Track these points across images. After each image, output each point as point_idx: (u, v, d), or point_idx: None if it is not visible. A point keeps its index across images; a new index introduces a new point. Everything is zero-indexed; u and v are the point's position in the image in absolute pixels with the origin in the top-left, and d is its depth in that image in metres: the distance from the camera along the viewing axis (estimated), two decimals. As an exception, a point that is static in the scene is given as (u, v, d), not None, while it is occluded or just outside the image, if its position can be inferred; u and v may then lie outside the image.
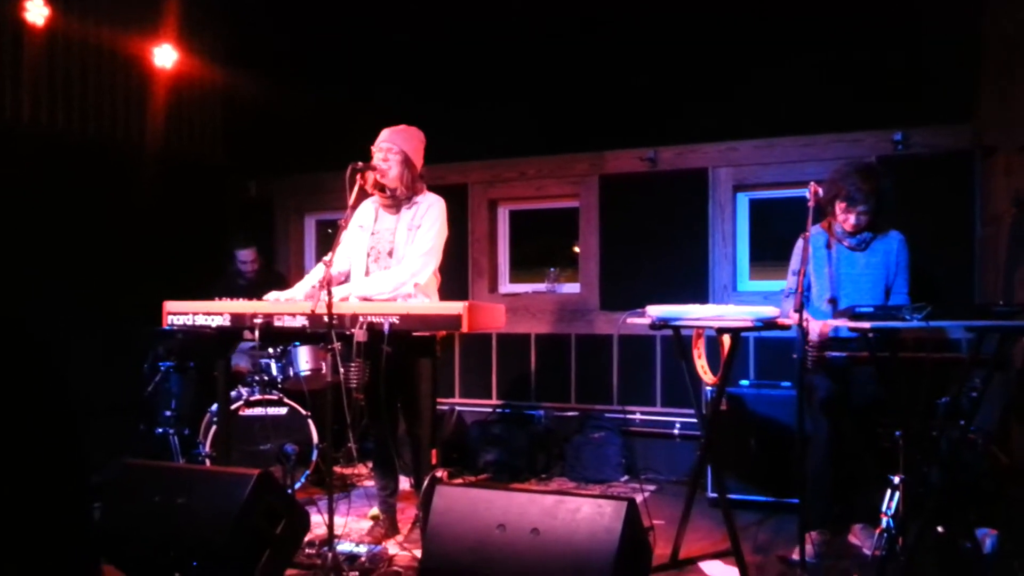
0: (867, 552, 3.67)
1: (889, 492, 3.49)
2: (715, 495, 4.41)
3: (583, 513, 2.25)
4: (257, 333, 3.49)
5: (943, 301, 3.86)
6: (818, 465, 3.77)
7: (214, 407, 4.67)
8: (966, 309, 2.99)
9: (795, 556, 3.61)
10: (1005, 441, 3.65)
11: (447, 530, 2.36)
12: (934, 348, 3.36)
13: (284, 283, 5.00)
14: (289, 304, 3.56)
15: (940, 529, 3.32)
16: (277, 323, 3.49)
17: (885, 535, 3.41)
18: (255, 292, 3.95)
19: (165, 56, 5.61)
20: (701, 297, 5.28)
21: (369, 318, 3.30)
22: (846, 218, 3.68)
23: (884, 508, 3.43)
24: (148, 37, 5.59)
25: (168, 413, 4.95)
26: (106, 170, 5.45)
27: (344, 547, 3.58)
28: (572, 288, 5.91)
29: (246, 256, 5.52)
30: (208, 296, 3.77)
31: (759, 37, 5.12)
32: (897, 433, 3.44)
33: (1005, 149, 3.75)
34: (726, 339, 3.50)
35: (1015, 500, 3.50)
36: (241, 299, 3.70)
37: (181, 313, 3.68)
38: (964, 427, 3.42)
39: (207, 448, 4.74)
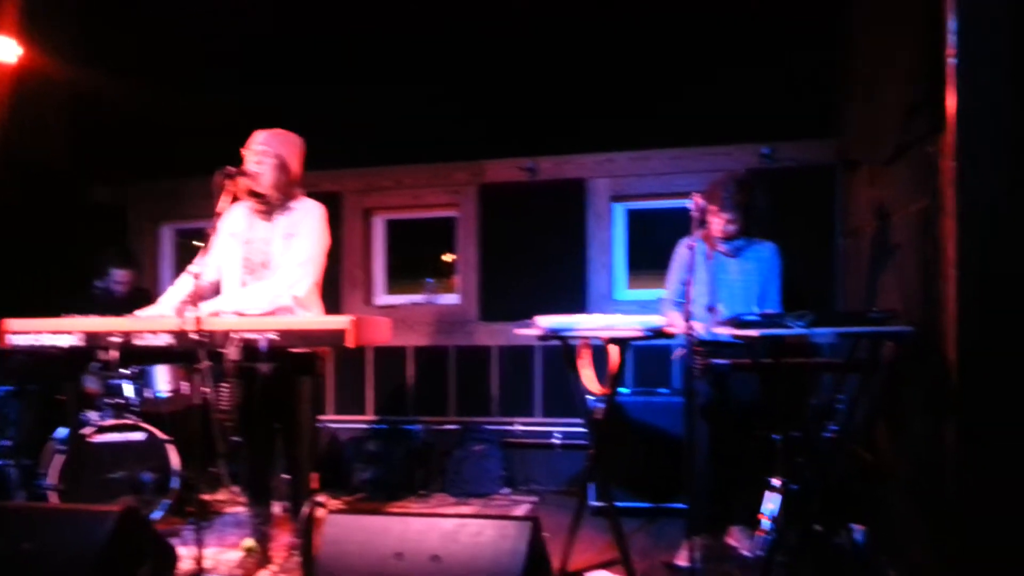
0: (746, 554, 3.76)
1: (768, 495, 3.60)
2: (598, 504, 4.42)
3: (486, 536, 2.14)
4: (116, 354, 3.16)
5: (809, 308, 4.02)
6: (699, 471, 3.82)
7: (58, 433, 4.24)
8: (842, 316, 3.10)
9: (679, 561, 3.65)
10: (871, 442, 3.83)
11: (338, 561, 2.19)
12: (803, 353, 3.49)
13: (151, 302, 4.63)
14: (151, 321, 3.25)
15: (818, 528, 3.43)
16: (137, 342, 3.17)
17: (766, 537, 3.50)
18: (122, 311, 3.57)
19: (7, 50, 5.08)
20: (580, 306, 5.30)
21: (244, 335, 3.06)
22: (717, 223, 3.80)
23: (764, 511, 3.53)
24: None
25: (6, 442, 4.45)
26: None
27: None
28: (451, 299, 5.80)
29: (122, 277, 5.11)
30: (59, 312, 3.40)
31: (635, 51, 5.21)
32: (776, 437, 3.55)
33: (869, 162, 3.96)
34: (613, 349, 3.48)
35: (881, 498, 3.67)
36: (97, 315, 3.35)
37: (24, 332, 3.29)
38: (840, 430, 3.57)
39: (52, 480, 4.29)
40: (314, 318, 3.31)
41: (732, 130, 5.07)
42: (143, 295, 5.20)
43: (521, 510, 4.81)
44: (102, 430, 4.36)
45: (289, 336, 3.03)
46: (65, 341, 3.24)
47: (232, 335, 3.07)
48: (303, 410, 3.27)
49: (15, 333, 3.29)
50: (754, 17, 4.90)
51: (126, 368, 4.55)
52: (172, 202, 6.08)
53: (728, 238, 3.84)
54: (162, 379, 4.64)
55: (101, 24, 5.69)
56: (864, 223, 4.10)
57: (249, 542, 3.71)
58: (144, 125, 5.82)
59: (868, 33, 4.04)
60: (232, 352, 3.04)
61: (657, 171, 5.26)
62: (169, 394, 4.62)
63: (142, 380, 4.62)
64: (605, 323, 3.28)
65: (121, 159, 6.00)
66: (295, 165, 3.64)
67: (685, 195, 3.59)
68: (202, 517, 4.60)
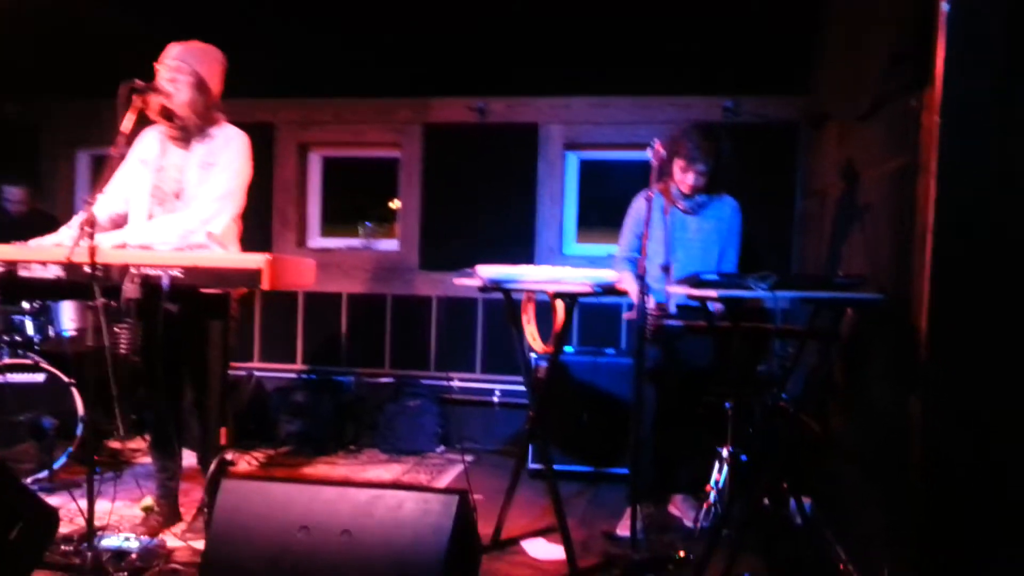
0: (689, 524, 3.60)
1: (717, 464, 3.42)
2: (537, 467, 4.21)
3: (406, 510, 1.87)
4: (-4, 285, 2.78)
5: (764, 266, 3.83)
6: (644, 436, 3.62)
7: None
8: (807, 280, 2.89)
9: (620, 531, 3.47)
10: (822, 412, 3.67)
11: (236, 533, 1.90)
12: (758, 317, 3.29)
13: (56, 226, 4.22)
14: (38, 250, 2.87)
15: (766, 501, 3.27)
16: (23, 272, 2.80)
17: (713, 508, 3.33)
18: (19, 235, 3.16)
19: None
20: (527, 258, 5.04)
21: (143, 270, 2.70)
22: (683, 178, 3.55)
23: (712, 481, 3.35)
24: None
25: None
26: None
27: (111, 541, 2.99)
28: (390, 245, 5.48)
29: (15, 195, 4.75)
30: None
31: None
32: (727, 404, 3.36)
33: (841, 117, 3.73)
34: (559, 304, 3.23)
35: (829, 470, 3.53)
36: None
37: None
38: (791, 399, 3.39)
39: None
40: (225, 255, 2.95)
41: (695, 81, 4.82)
42: (44, 220, 4.77)
43: (455, 470, 4.58)
44: (-1, 369, 3.99)
45: (196, 274, 2.68)
46: (-62, 270, 2.84)
47: (131, 270, 2.71)
48: (212, 357, 2.94)
49: None
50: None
51: (26, 302, 4.16)
52: (90, 125, 5.54)
53: (693, 192, 3.59)
54: (67, 316, 4.24)
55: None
56: (829, 184, 3.89)
57: (148, 501, 3.39)
58: (63, 38, 5.29)
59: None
60: (130, 289, 2.69)
61: (615, 120, 4.97)
62: (75, 333, 4.24)
63: (45, 316, 4.23)
64: (552, 276, 3.01)
65: (34, 76, 5.46)
66: (215, 84, 3.25)
67: (644, 146, 3.33)
68: (111, 467, 4.29)
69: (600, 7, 4.88)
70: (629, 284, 3.26)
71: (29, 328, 4.21)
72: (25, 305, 4.19)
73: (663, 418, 3.63)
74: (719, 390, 3.45)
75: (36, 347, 4.19)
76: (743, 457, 3.21)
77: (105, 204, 3.22)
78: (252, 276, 2.65)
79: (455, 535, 1.86)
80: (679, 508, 3.76)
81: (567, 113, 5.04)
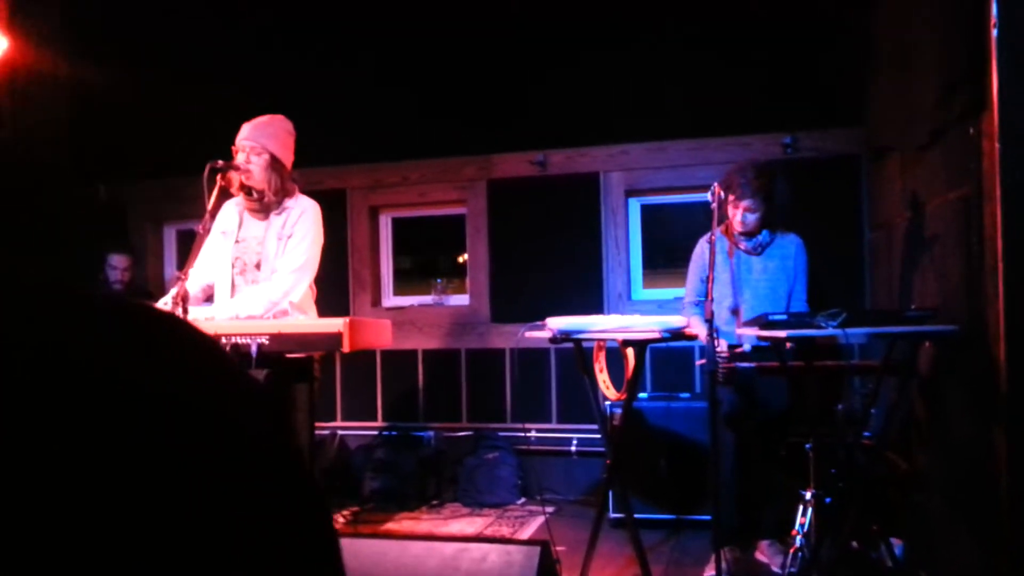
0: (776, 570, 3.53)
1: (801, 508, 3.37)
2: (618, 515, 4.20)
3: (490, 563, 1.93)
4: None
5: (837, 306, 3.80)
6: (724, 481, 3.60)
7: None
8: (878, 315, 2.87)
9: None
10: (906, 448, 3.59)
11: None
12: (833, 355, 3.26)
13: (151, 300, 4.49)
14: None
15: (855, 544, 3.20)
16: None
17: (798, 553, 3.28)
18: None
19: (-6, 44, 4.92)
20: (596, 306, 5.07)
21: (234, 339, 2.87)
22: (735, 214, 3.56)
23: (796, 525, 3.30)
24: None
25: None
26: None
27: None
28: (461, 300, 5.60)
29: (119, 262, 5.05)
30: None
31: (649, 38, 4.98)
32: (807, 446, 3.32)
33: (901, 149, 3.71)
34: (630, 352, 3.27)
35: (917, 507, 3.44)
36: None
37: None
38: (874, 436, 3.34)
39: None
40: (307, 321, 3.11)
41: (752, 119, 4.83)
42: (141, 295, 5.07)
43: (536, 521, 4.60)
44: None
45: (281, 340, 2.83)
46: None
47: (222, 340, 2.88)
48: (299, 419, 3.07)
49: None
50: (775, 1, 4.67)
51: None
52: (174, 202, 5.91)
53: (749, 233, 3.61)
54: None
55: (102, 16, 5.52)
56: (895, 215, 3.85)
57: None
58: (144, 123, 5.66)
59: (897, 11, 3.79)
60: (222, 359, 2.85)
61: (674, 163, 5.02)
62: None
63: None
64: (620, 324, 3.06)
65: (121, 158, 5.85)
66: (287, 158, 3.45)
67: (703, 188, 3.38)
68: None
69: (652, 53, 4.97)
70: (698, 328, 3.29)
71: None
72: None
73: (744, 462, 3.60)
74: (798, 431, 3.41)
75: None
76: (827, 499, 3.15)
77: (195, 277, 3.42)
78: (333, 339, 2.79)
79: (538, 585, 1.91)
80: (765, 554, 3.70)
81: (626, 160, 5.11)
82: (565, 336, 3.11)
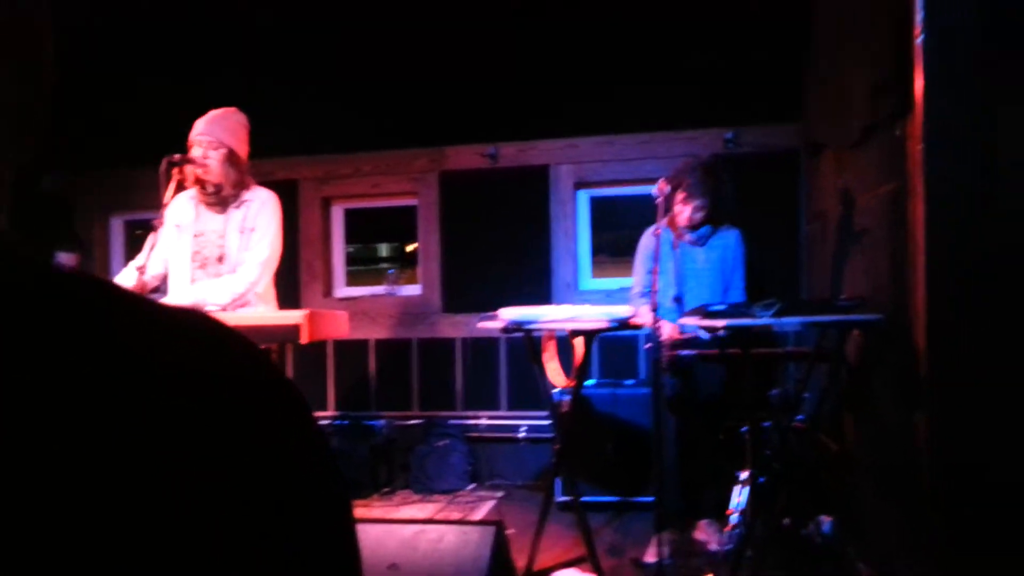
0: (715, 548, 3.70)
1: (737, 488, 3.54)
2: (565, 499, 4.33)
3: (447, 542, 2.03)
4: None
5: (774, 295, 3.97)
6: (667, 464, 3.76)
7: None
8: (810, 305, 3.04)
9: (648, 558, 3.58)
10: (838, 431, 3.79)
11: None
12: (766, 343, 3.43)
13: None
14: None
15: (786, 521, 3.38)
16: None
17: (736, 531, 3.44)
18: None
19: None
20: (544, 296, 5.20)
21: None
22: (682, 210, 3.71)
23: (733, 504, 3.47)
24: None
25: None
26: None
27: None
28: (413, 290, 5.67)
29: (68, 259, 4.97)
30: None
31: (599, 36, 5.10)
32: (743, 429, 3.49)
33: (835, 146, 3.90)
34: (578, 341, 3.39)
35: (847, 487, 3.63)
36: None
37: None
38: (806, 419, 3.52)
39: None
40: (267, 313, 3.17)
41: (696, 115, 5.00)
42: None
43: (487, 506, 4.71)
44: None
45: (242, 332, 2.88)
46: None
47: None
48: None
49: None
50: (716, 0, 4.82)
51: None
52: (122, 192, 5.85)
53: (694, 226, 3.77)
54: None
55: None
56: (830, 208, 4.05)
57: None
58: (93, 112, 5.58)
59: (832, 14, 3.97)
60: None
61: (622, 156, 5.16)
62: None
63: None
64: (570, 314, 3.18)
65: (69, 147, 5.76)
66: (244, 151, 3.48)
67: (651, 181, 3.52)
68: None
69: (601, 50, 5.10)
70: (645, 317, 3.43)
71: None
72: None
73: (686, 445, 3.76)
74: (735, 415, 3.58)
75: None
76: (761, 480, 3.33)
77: (149, 270, 3.43)
78: (292, 331, 2.85)
79: (493, 563, 2.02)
80: (705, 533, 3.86)
81: (575, 153, 5.24)
82: (517, 327, 3.22)
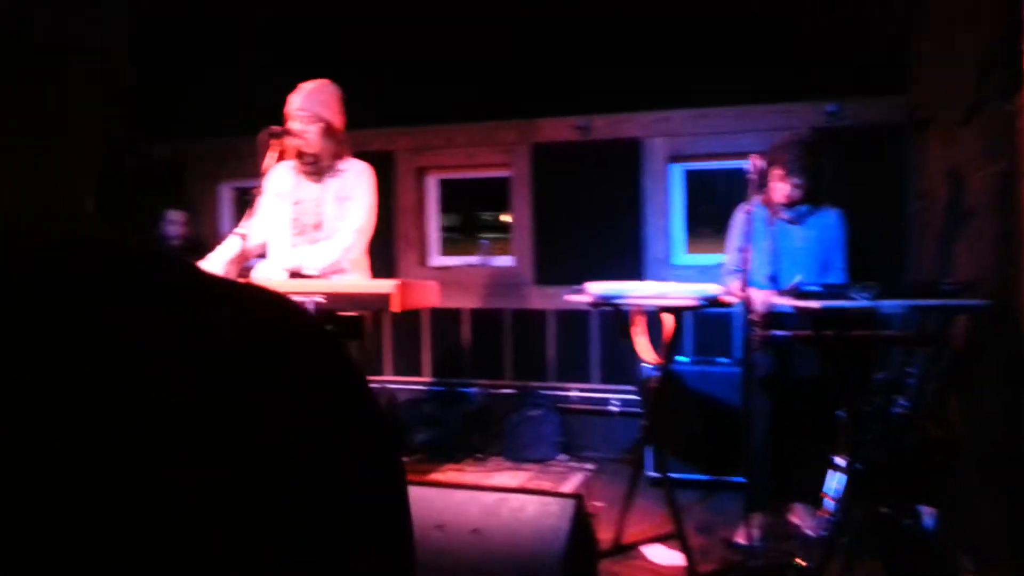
0: (809, 532, 3.64)
1: (832, 473, 3.46)
2: (656, 475, 4.33)
3: (527, 512, 2.09)
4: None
5: (877, 277, 3.83)
6: (759, 444, 3.71)
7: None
8: (912, 288, 2.93)
9: (739, 539, 3.55)
10: (943, 417, 3.64)
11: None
12: (869, 325, 3.31)
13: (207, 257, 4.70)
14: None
15: (884, 510, 3.29)
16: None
17: (830, 517, 3.37)
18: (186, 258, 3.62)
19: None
20: (636, 271, 5.16)
21: (292, 298, 3.04)
22: (781, 188, 3.60)
23: (827, 489, 3.40)
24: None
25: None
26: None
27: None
28: (506, 261, 5.72)
29: (177, 217, 5.26)
30: None
31: (693, 4, 4.97)
32: (839, 413, 3.40)
33: (943, 122, 3.71)
34: (667, 317, 3.37)
35: (953, 479, 3.50)
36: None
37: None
38: (909, 404, 3.40)
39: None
40: (360, 281, 3.28)
41: (797, 86, 4.80)
42: (202, 250, 5.31)
43: (577, 478, 4.77)
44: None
45: (335, 299, 3.00)
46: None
47: (280, 299, 3.05)
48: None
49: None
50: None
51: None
52: (230, 160, 6.09)
53: (792, 204, 3.65)
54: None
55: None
56: (937, 187, 3.86)
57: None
58: (201, 83, 5.83)
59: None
60: (280, 316, 3.03)
61: (717, 130, 5.04)
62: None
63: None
64: (658, 291, 3.16)
65: (179, 118, 6.04)
66: (339, 122, 3.59)
67: (747, 155, 3.44)
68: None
69: (697, 19, 4.96)
70: (736, 295, 3.37)
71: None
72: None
73: (778, 427, 3.69)
74: (831, 398, 3.49)
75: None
76: (858, 466, 3.24)
77: (250, 236, 3.60)
78: (383, 300, 2.94)
79: (572, 536, 2.06)
80: (799, 516, 3.80)
81: (668, 126, 5.14)
82: (604, 301, 3.22)
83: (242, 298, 0.58)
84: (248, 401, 0.52)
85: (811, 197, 3.62)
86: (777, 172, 3.56)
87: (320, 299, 3.02)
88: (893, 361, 3.99)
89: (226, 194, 6.42)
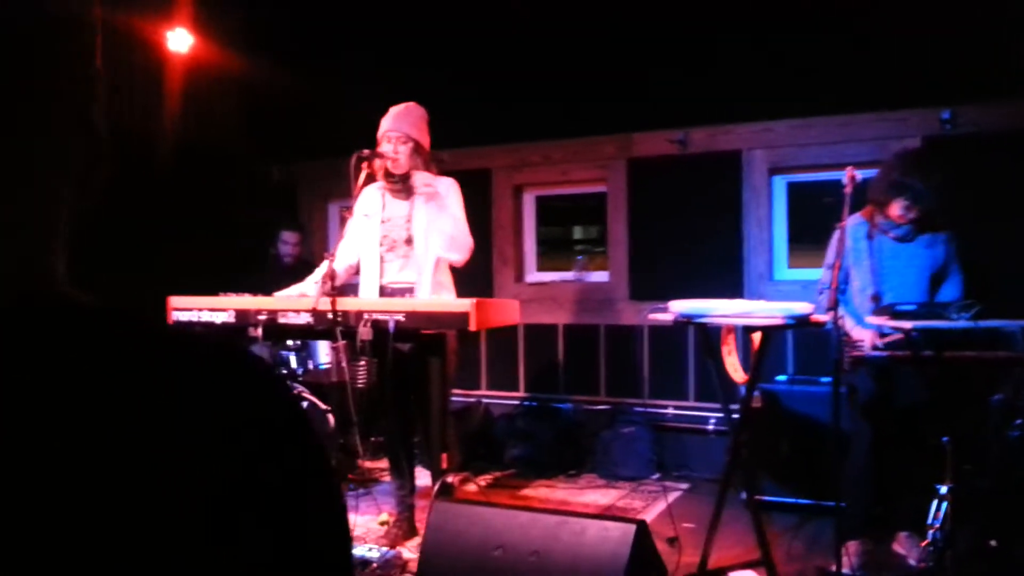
0: (912, 563, 3.44)
1: (936, 502, 3.25)
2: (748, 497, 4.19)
3: (588, 536, 2.06)
4: (260, 330, 3.35)
5: (999, 293, 3.57)
6: (859, 470, 3.52)
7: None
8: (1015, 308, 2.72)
9: (835, 567, 3.38)
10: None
11: (443, 549, 2.19)
12: (986, 344, 3.09)
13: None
14: (292, 300, 3.41)
15: (992, 542, 3.07)
16: (281, 320, 3.35)
17: (932, 548, 3.17)
18: (294, 279, 3.82)
19: (179, 40, 5.47)
20: (735, 286, 5.01)
21: (374, 315, 3.13)
22: (904, 214, 3.39)
23: (931, 519, 3.19)
24: (161, 20, 5.45)
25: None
26: (120, 159, 5.33)
27: (357, 551, 3.44)
28: (601, 277, 5.69)
29: (290, 238, 5.52)
30: (238, 286, 3.67)
31: (793, 9, 4.80)
32: (944, 439, 3.19)
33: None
34: (756, 336, 3.26)
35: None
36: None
37: (186, 309, 3.56)
38: (1021, 426, 3.16)
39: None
40: (439, 300, 3.33)
41: (906, 91, 4.54)
42: (308, 267, 5.54)
43: (671, 497, 4.66)
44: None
45: (415, 318, 3.07)
46: (219, 318, 3.47)
47: (364, 315, 3.15)
48: (432, 391, 3.30)
49: (178, 310, 3.57)
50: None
51: (290, 340, 4.84)
52: (338, 180, 6.30)
53: (909, 223, 3.44)
54: (324, 351, 4.88)
55: (268, 11, 5.99)
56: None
57: (385, 516, 3.84)
58: (310, 107, 6.10)
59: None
60: (364, 332, 3.12)
61: (821, 140, 4.84)
62: (330, 365, 4.85)
63: (305, 352, 4.90)
64: (743, 309, 3.06)
65: (290, 141, 6.34)
66: (426, 141, 3.70)
67: (853, 165, 3.28)
68: (361, 484, 4.84)
69: (795, 25, 4.79)
70: (825, 316, 3.22)
71: (293, 362, 4.89)
72: (289, 342, 4.88)
73: (881, 453, 3.50)
74: (935, 423, 3.28)
75: (299, 378, 4.85)
76: (964, 494, 3.03)
77: (341, 257, 3.73)
78: (461, 318, 2.99)
79: (632, 561, 2.01)
80: (903, 546, 3.60)
81: (769, 137, 4.98)
82: (687, 320, 3.15)
83: (186, 348, 0.62)
84: (182, 438, 0.56)
85: (924, 216, 3.41)
86: (901, 202, 3.34)
87: (401, 317, 3.09)
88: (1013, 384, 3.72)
89: (334, 213, 6.67)
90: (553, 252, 6.20)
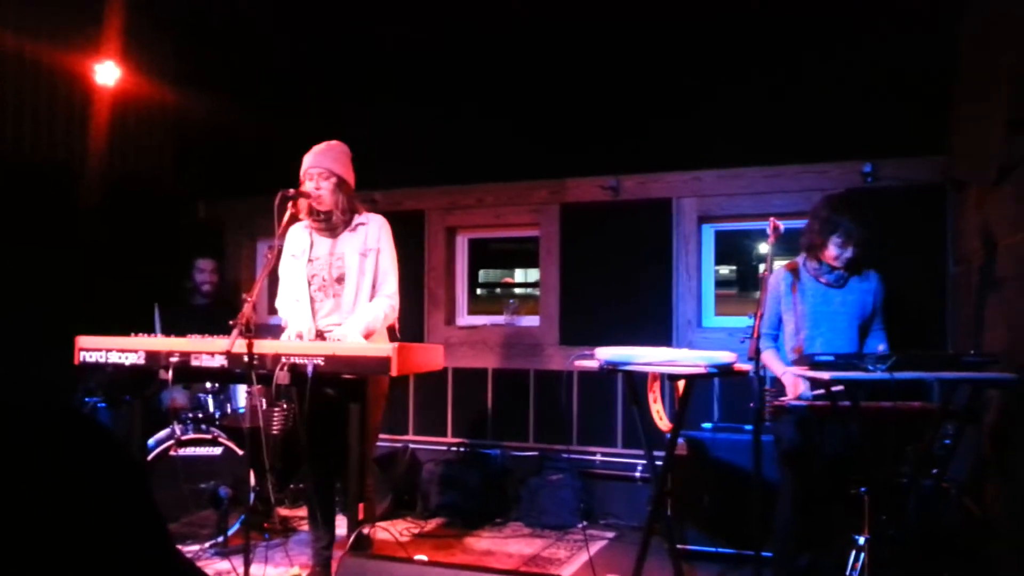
0: (832, 614, 3.42)
1: (854, 553, 3.26)
2: (681, 546, 4.14)
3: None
4: (171, 373, 3.20)
5: (914, 345, 3.64)
6: (783, 520, 3.53)
7: (151, 443, 4.35)
8: (932, 359, 2.76)
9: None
10: (978, 495, 3.42)
11: (352, 608, 2.09)
12: (903, 395, 3.14)
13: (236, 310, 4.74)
14: (206, 342, 3.27)
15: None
16: (195, 362, 3.21)
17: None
18: (212, 314, 3.67)
19: (107, 73, 5.32)
20: (665, 333, 5.04)
21: (292, 359, 3.02)
22: (839, 254, 3.45)
23: (848, 570, 3.20)
24: (89, 53, 5.30)
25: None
26: (43, 192, 5.13)
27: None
28: (532, 321, 5.66)
29: (206, 265, 5.39)
30: (164, 317, 3.52)
31: (725, 63, 4.94)
32: (863, 489, 3.22)
33: (976, 182, 3.55)
34: (679, 384, 3.25)
35: (991, 557, 3.27)
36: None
37: (94, 349, 3.38)
38: (938, 476, 3.21)
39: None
40: (359, 344, 3.23)
41: (830, 146, 4.69)
42: (225, 301, 5.39)
43: (596, 546, 4.60)
44: (182, 444, 4.45)
45: (335, 362, 2.97)
46: (128, 359, 3.31)
47: (282, 359, 3.04)
48: (350, 438, 3.18)
49: (86, 350, 3.39)
50: (854, 24, 4.53)
51: (208, 383, 4.65)
52: (267, 218, 6.17)
53: (844, 266, 3.49)
54: (243, 394, 4.70)
55: (199, 47, 5.88)
56: (972, 251, 3.69)
57: (296, 570, 3.68)
58: (239, 144, 5.98)
59: (974, 45, 3.64)
60: (281, 376, 3.01)
61: (748, 190, 4.93)
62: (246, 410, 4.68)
63: (224, 395, 4.71)
64: (667, 357, 3.05)
65: (218, 177, 6.19)
66: (350, 178, 3.65)
67: (779, 215, 3.33)
68: (280, 533, 4.65)
69: (727, 79, 4.92)
70: (772, 363, 3.24)
71: (211, 405, 4.70)
72: (207, 385, 4.69)
73: (806, 502, 3.51)
74: (857, 473, 3.30)
75: (216, 422, 4.65)
76: (880, 544, 3.05)
77: (286, 298, 3.62)
78: (383, 363, 2.90)
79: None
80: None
81: (699, 186, 5.06)
82: (612, 367, 3.13)
83: (54, 431, 0.83)
84: (39, 499, 0.77)
85: (859, 260, 3.48)
86: (836, 240, 3.40)
87: (320, 361, 2.99)
88: (940, 433, 3.78)
89: (262, 250, 6.51)
90: (492, 296, 6.15)
